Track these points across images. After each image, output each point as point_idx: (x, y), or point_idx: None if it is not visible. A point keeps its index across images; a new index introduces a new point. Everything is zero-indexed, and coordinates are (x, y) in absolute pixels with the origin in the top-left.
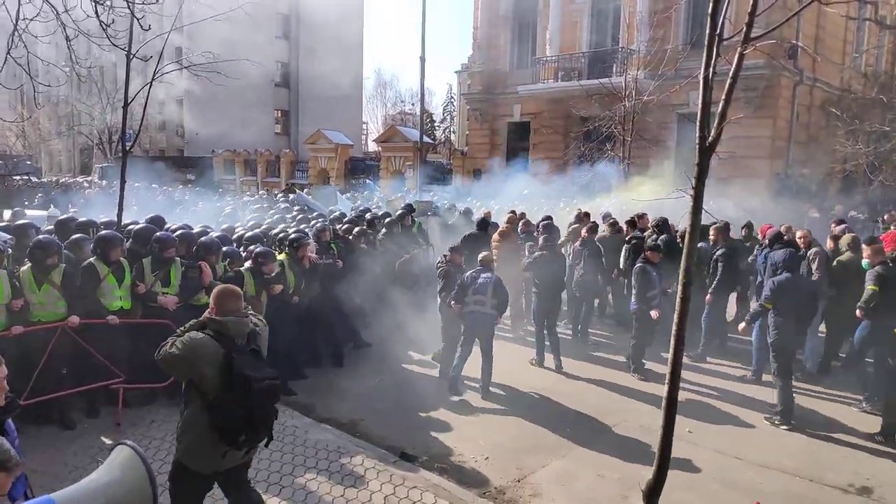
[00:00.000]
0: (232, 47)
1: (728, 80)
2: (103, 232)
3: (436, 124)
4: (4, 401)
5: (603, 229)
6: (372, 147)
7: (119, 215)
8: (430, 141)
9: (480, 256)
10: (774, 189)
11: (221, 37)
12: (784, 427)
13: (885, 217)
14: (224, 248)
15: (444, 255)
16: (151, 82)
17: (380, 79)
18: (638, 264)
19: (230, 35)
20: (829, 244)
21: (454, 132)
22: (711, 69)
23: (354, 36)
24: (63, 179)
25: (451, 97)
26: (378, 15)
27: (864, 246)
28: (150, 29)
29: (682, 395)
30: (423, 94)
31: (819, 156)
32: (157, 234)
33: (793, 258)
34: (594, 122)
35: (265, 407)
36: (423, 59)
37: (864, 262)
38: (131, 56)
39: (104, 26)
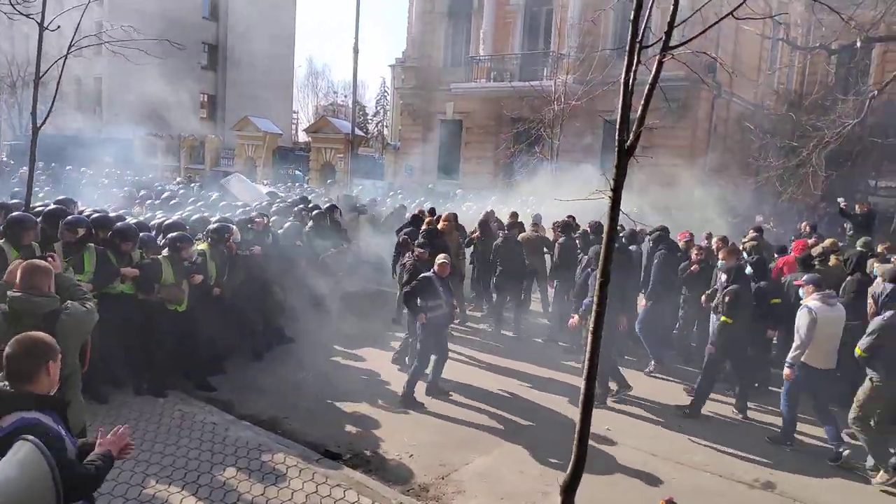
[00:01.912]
0: (155, 25)
1: (647, 87)
2: (15, 213)
3: (368, 118)
4: None
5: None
6: (302, 137)
7: (28, 197)
8: (362, 134)
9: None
10: (693, 196)
11: (144, 12)
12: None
13: (801, 226)
14: (141, 235)
15: (412, 251)
16: (66, 55)
17: (312, 68)
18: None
19: (154, 11)
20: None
21: (387, 126)
22: (632, 75)
23: (286, 22)
24: None
25: (385, 91)
26: (312, 2)
27: (720, 247)
28: None
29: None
30: (355, 86)
31: (734, 167)
32: (68, 217)
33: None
34: (524, 123)
35: None
36: (356, 51)
37: (720, 262)
38: (44, 27)
39: None
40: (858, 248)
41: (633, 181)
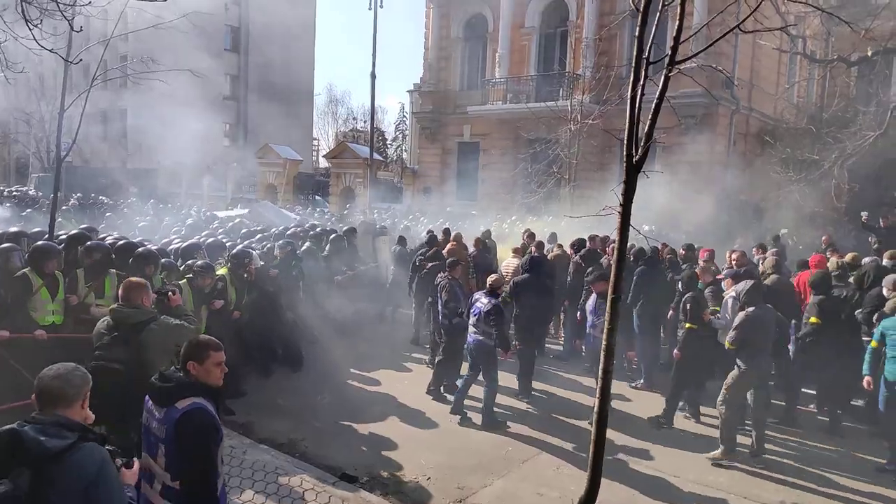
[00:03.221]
0: (179, 58)
1: (654, 101)
2: (39, 243)
3: (388, 142)
4: None
5: (549, 249)
6: (323, 163)
7: (51, 225)
8: (381, 158)
9: (490, 280)
10: (712, 214)
11: (168, 47)
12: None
13: (823, 239)
14: (162, 261)
15: (445, 271)
16: (89, 89)
17: (331, 95)
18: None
19: (177, 45)
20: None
21: (406, 150)
22: (639, 90)
23: (305, 51)
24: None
25: (404, 116)
26: (330, 31)
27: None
28: (81, 30)
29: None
30: (373, 111)
31: (754, 182)
32: (89, 242)
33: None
34: (541, 144)
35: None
36: (373, 76)
37: (699, 283)
38: (69, 61)
39: (31, 26)
40: (885, 262)
41: (650, 198)
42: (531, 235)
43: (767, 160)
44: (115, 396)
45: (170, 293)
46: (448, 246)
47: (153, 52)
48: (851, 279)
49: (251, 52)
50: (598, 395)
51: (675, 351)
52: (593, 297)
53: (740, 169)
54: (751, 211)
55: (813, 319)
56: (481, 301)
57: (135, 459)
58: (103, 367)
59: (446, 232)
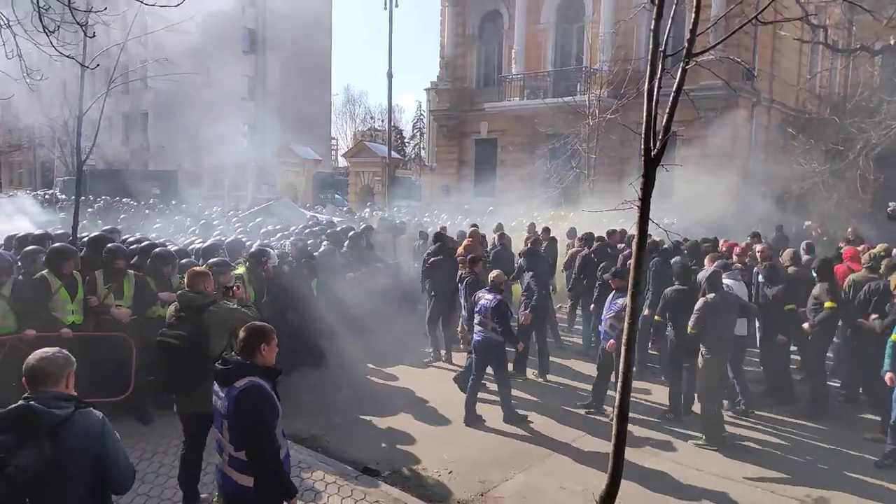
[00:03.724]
0: (197, 60)
1: (672, 94)
2: (57, 244)
3: (405, 140)
4: None
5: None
6: (342, 163)
7: (74, 227)
8: (399, 156)
9: (491, 276)
10: (735, 207)
11: (186, 50)
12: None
13: (849, 231)
14: (182, 261)
15: (467, 269)
16: (107, 92)
17: (349, 95)
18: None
19: (195, 48)
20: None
21: (424, 148)
22: (656, 83)
23: (322, 51)
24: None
25: (421, 114)
26: (346, 31)
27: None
28: (94, 36)
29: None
30: (390, 110)
31: (777, 174)
32: (109, 245)
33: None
34: (559, 139)
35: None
36: (390, 75)
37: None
38: (85, 66)
39: (48, 32)
40: None
41: (671, 192)
42: (546, 229)
43: (790, 152)
44: (174, 366)
45: (234, 287)
46: (465, 242)
47: (172, 56)
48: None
49: (269, 54)
50: (619, 390)
51: (659, 345)
52: (612, 293)
53: (762, 162)
54: (774, 204)
55: (828, 304)
56: (485, 298)
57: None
58: (163, 342)
59: (475, 228)
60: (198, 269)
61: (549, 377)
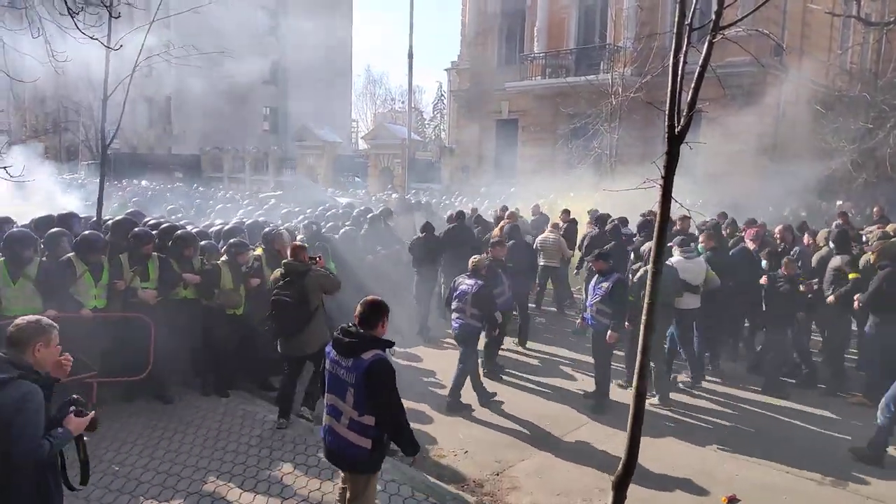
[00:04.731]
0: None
1: (697, 69)
2: (88, 233)
3: (426, 122)
4: None
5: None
6: (362, 145)
7: (98, 211)
8: (419, 138)
9: (472, 261)
10: (761, 187)
11: (208, 33)
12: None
13: (874, 210)
14: (202, 243)
15: (487, 251)
16: (131, 75)
17: (369, 76)
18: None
19: (217, 31)
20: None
21: (444, 130)
22: (681, 57)
23: (343, 32)
24: None
25: (441, 95)
26: (367, 12)
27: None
28: (119, 17)
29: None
30: (410, 91)
31: (805, 153)
32: (135, 230)
33: None
34: (582, 119)
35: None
36: (410, 56)
37: (700, 246)
38: (110, 48)
39: (72, 14)
40: None
41: (695, 171)
42: (566, 211)
43: (819, 130)
44: (285, 317)
45: (318, 257)
46: (501, 223)
47: (196, 38)
48: None
49: (289, 37)
50: (637, 371)
51: (626, 323)
52: (595, 276)
53: (790, 140)
54: (801, 183)
55: (852, 275)
56: (466, 283)
57: (91, 413)
58: (277, 300)
59: (503, 210)
60: (298, 243)
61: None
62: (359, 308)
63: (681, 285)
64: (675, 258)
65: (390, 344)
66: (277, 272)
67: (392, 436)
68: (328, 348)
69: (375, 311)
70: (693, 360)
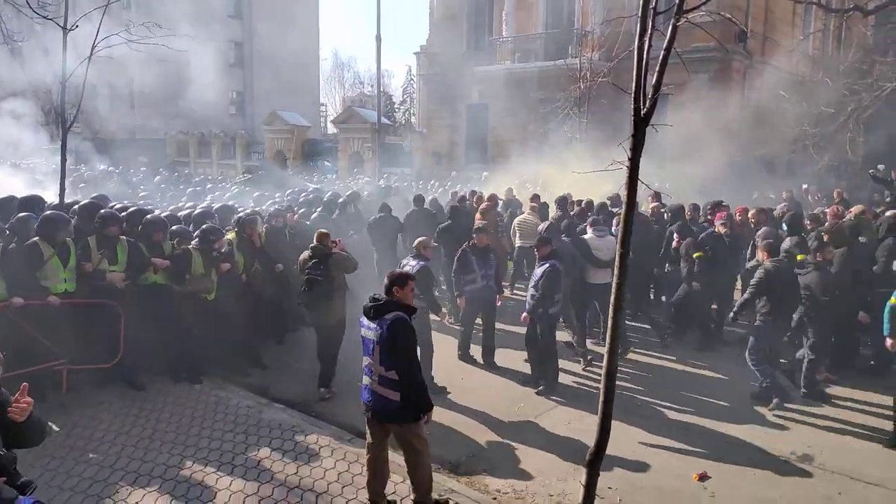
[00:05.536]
0: (183, 25)
1: (662, 53)
2: (49, 212)
3: (395, 106)
4: None
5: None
6: (331, 129)
7: (61, 195)
8: (389, 122)
9: (416, 242)
10: (727, 170)
11: (169, 15)
12: None
13: (835, 192)
14: (174, 227)
15: (470, 238)
16: (89, 58)
17: (337, 60)
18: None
19: (180, 13)
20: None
21: (414, 114)
22: (646, 41)
23: (309, 15)
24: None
25: (411, 79)
26: None
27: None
28: None
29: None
30: (379, 75)
31: (770, 137)
32: (101, 211)
33: None
34: (551, 103)
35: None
36: (378, 39)
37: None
38: (66, 29)
39: None
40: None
41: (662, 155)
42: (536, 195)
43: (782, 115)
44: (315, 292)
45: (337, 241)
46: (483, 205)
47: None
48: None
49: (255, 19)
50: (607, 350)
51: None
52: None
53: (754, 124)
54: (765, 166)
55: (800, 256)
56: (409, 265)
57: (28, 399)
58: (310, 278)
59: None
60: (323, 230)
61: None
62: (386, 279)
63: (591, 260)
64: (588, 235)
65: (413, 310)
66: (306, 254)
67: (406, 391)
68: (361, 318)
69: (394, 281)
70: (573, 326)
